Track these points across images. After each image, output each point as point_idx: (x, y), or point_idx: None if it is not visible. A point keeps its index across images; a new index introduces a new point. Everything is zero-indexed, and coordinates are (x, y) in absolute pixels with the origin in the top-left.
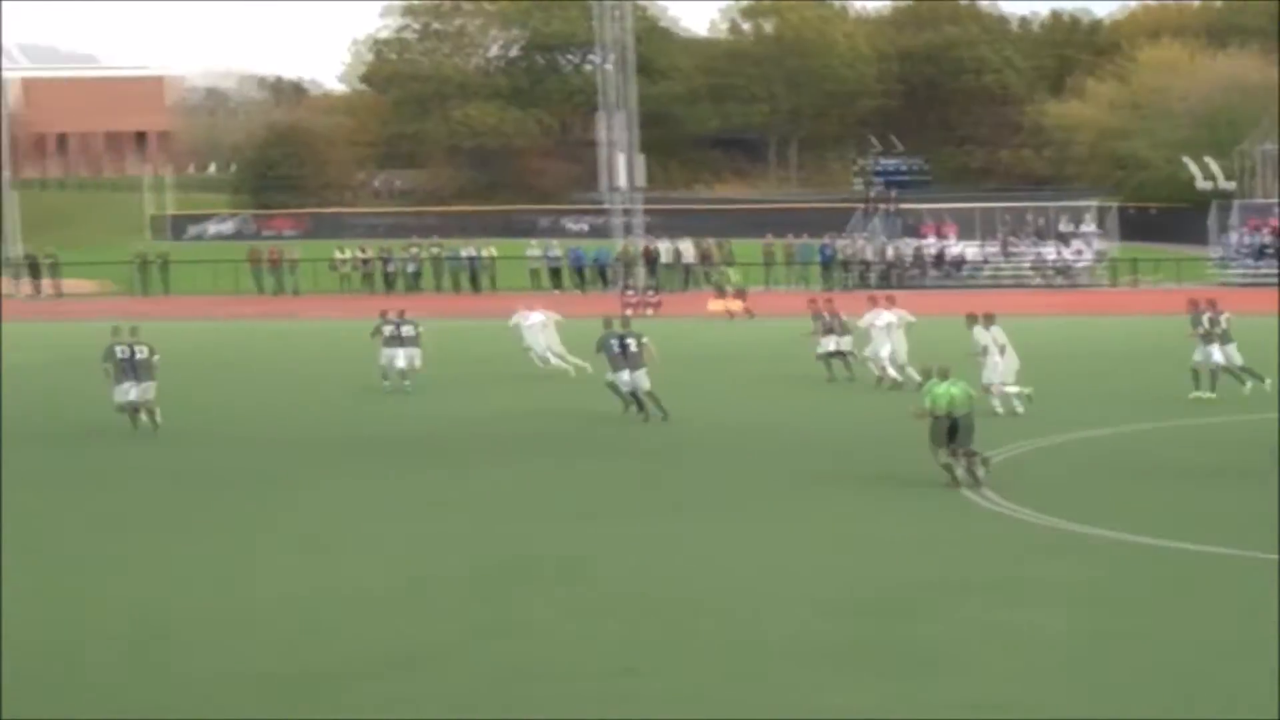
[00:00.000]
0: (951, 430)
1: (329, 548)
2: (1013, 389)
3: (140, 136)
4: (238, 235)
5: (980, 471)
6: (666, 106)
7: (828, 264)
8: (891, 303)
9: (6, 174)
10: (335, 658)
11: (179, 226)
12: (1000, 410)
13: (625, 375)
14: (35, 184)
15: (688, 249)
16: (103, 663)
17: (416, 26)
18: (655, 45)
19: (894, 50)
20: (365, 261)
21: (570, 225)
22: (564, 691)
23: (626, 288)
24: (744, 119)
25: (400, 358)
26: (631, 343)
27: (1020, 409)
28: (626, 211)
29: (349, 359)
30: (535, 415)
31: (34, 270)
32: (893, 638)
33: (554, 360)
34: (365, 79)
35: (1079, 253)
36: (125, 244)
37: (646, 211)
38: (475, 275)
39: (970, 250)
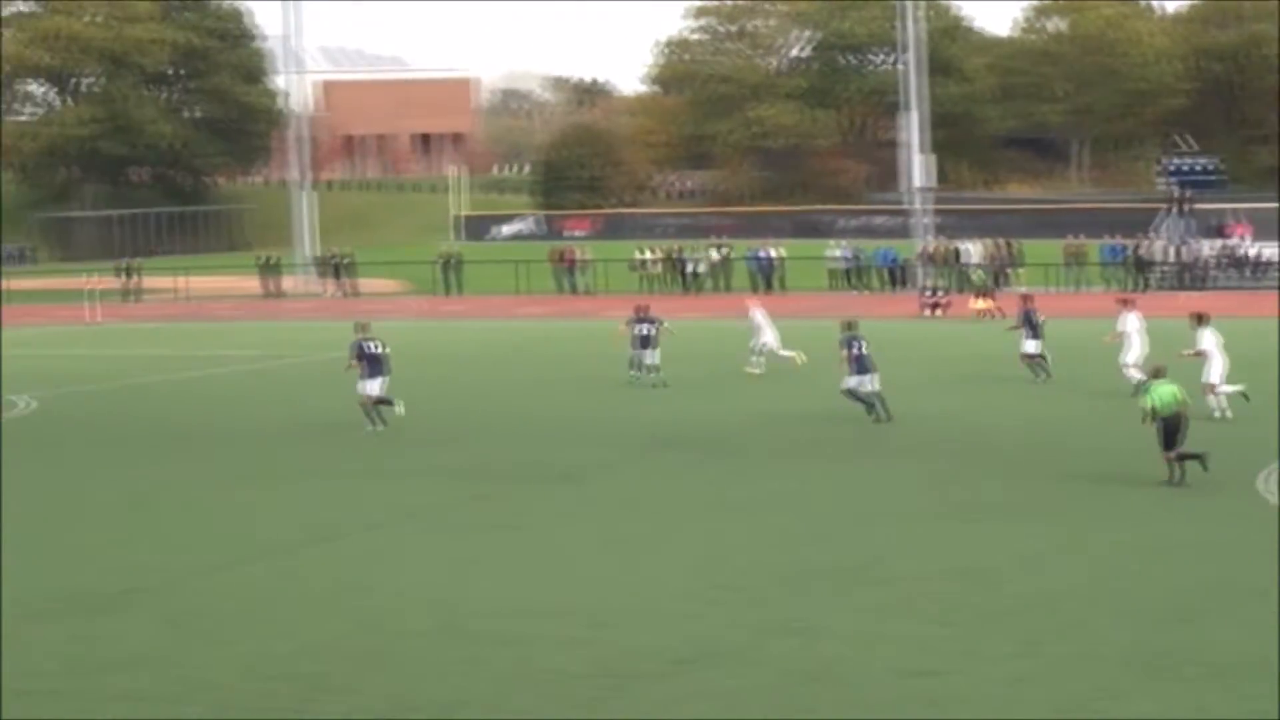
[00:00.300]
0: (1170, 431)
1: (627, 542)
2: (1228, 389)
3: (447, 138)
4: (531, 236)
5: (1177, 474)
6: (962, 106)
7: (1113, 264)
8: (1131, 305)
9: (302, 175)
10: (631, 655)
11: (477, 227)
12: (1217, 414)
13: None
14: (336, 185)
15: (975, 249)
16: (406, 654)
17: (719, 28)
18: (953, 45)
19: (1191, 49)
20: (661, 261)
21: (868, 225)
22: (855, 695)
23: (925, 288)
24: (1038, 118)
25: (646, 356)
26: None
27: (1229, 413)
28: (923, 211)
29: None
30: (800, 418)
31: (333, 270)
32: (1203, 642)
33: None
34: (659, 80)
35: None
36: (427, 244)
37: (938, 212)
38: (769, 275)
39: (1268, 251)
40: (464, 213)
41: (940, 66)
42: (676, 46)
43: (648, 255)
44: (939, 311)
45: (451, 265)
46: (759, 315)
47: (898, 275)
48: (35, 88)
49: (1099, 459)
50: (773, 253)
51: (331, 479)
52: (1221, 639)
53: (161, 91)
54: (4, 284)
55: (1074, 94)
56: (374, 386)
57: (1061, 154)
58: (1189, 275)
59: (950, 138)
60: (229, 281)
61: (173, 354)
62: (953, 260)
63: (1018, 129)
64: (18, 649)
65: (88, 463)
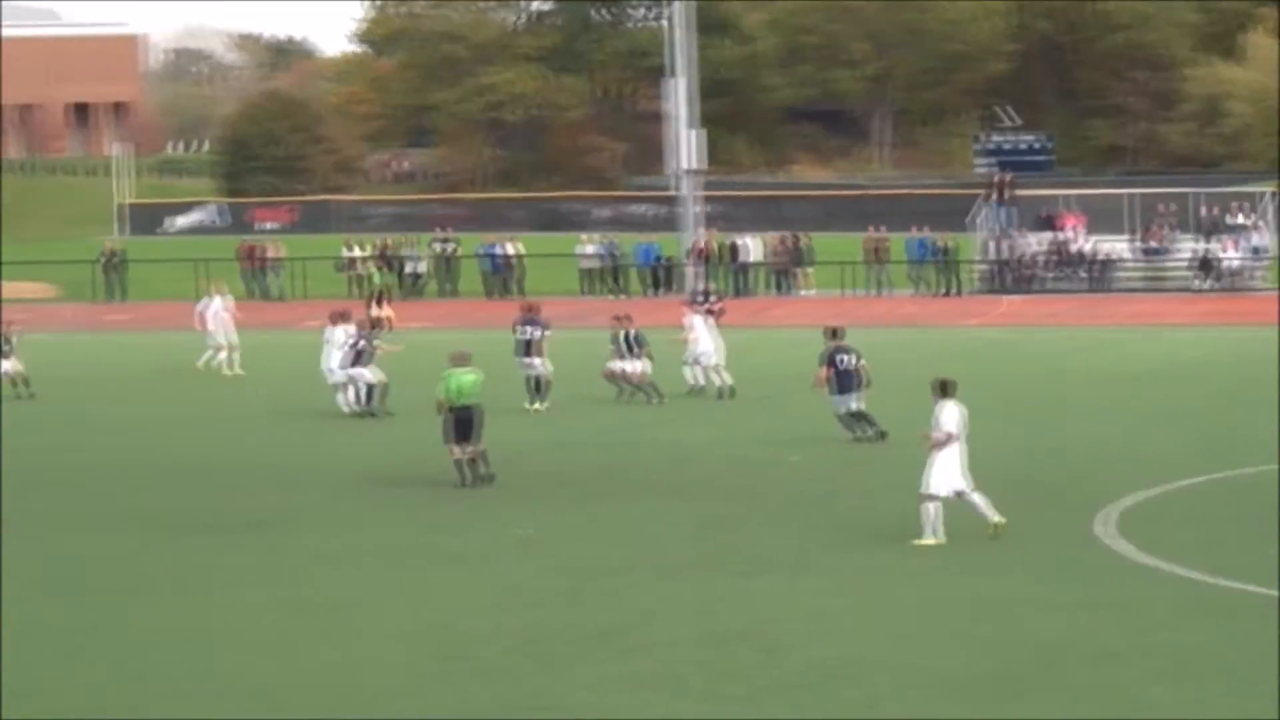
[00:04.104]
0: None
1: (321, 606)
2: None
3: (108, 109)
4: (214, 228)
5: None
6: (740, 71)
7: (921, 262)
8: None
9: None
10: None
11: (146, 218)
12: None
13: None
14: None
15: (755, 245)
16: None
17: None
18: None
19: (1014, 3)
20: (373, 259)
21: (626, 215)
22: None
23: (696, 292)
24: (831, 86)
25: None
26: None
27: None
28: (693, 199)
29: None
30: (545, 446)
31: None
32: None
33: None
34: (369, 39)
35: (1235, 249)
36: (83, 239)
37: (710, 199)
38: (505, 276)
39: (1106, 246)
40: (130, 200)
41: (714, 23)
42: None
43: (356, 252)
44: (711, 319)
45: (114, 265)
46: (697, 321)
47: (662, 276)
48: None
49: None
50: (510, 249)
51: None
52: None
53: None
54: None
55: (874, 57)
56: None
57: (860, 129)
58: (1012, 276)
59: (726, 109)
60: None
61: None
62: (729, 258)
63: (807, 99)
64: None
65: None
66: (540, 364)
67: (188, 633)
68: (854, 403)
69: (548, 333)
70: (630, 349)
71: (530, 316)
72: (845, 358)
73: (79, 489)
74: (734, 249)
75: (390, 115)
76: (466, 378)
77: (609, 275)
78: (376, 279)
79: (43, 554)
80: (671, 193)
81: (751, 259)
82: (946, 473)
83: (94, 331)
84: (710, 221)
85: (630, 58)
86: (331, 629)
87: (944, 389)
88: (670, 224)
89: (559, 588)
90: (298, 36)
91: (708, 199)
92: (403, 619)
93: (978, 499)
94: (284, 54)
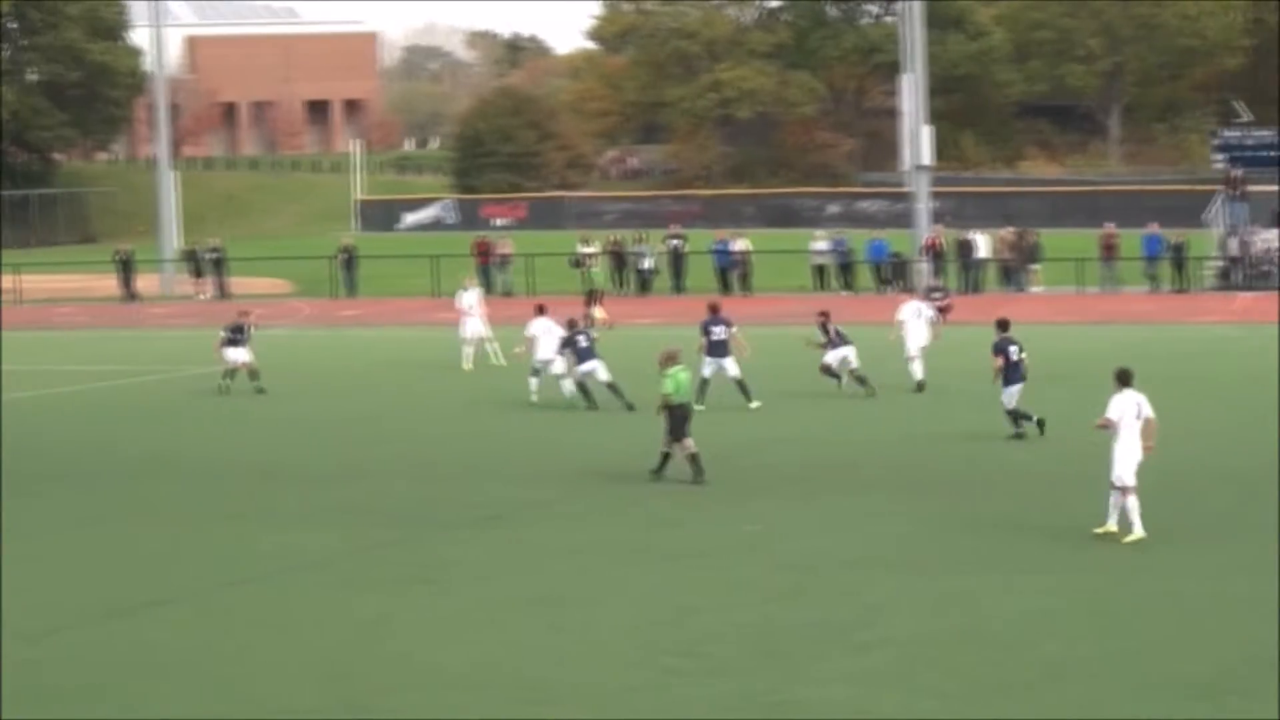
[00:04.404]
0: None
1: (560, 599)
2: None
3: (343, 106)
4: (446, 225)
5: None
6: (971, 67)
7: (1154, 258)
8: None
9: (166, 152)
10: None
11: (380, 214)
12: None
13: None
14: (207, 164)
15: (986, 241)
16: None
17: None
18: None
19: None
20: (604, 255)
21: (856, 211)
22: None
23: (927, 289)
24: (1064, 81)
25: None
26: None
27: None
28: (924, 195)
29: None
30: (772, 443)
31: (204, 266)
32: None
33: None
34: (602, 36)
35: None
36: (318, 236)
37: (941, 195)
38: (735, 272)
39: None
40: (364, 197)
41: (946, 19)
42: None
43: (588, 249)
44: (942, 316)
45: (348, 261)
46: (908, 311)
47: (892, 272)
48: None
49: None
50: (740, 245)
51: (195, 524)
52: None
53: None
54: None
55: (1107, 52)
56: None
57: (1092, 125)
58: (1245, 273)
59: (957, 105)
60: (76, 281)
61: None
62: (960, 254)
63: (1039, 95)
64: None
65: None
66: (730, 364)
67: (440, 624)
68: (1016, 397)
69: (733, 330)
70: (837, 339)
71: (718, 316)
72: (1013, 349)
73: (320, 485)
74: (964, 245)
75: (622, 112)
76: (683, 375)
77: (839, 271)
78: (598, 279)
79: (274, 548)
80: (903, 189)
81: (981, 255)
82: (1122, 461)
83: (328, 326)
84: (940, 217)
85: (862, 54)
86: (566, 623)
87: (1120, 379)
88: (901, 220)
89: (788, 583)
90: (531, 34)
91: (938, 195)
92: (635, 614)
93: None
94: (518, 51)
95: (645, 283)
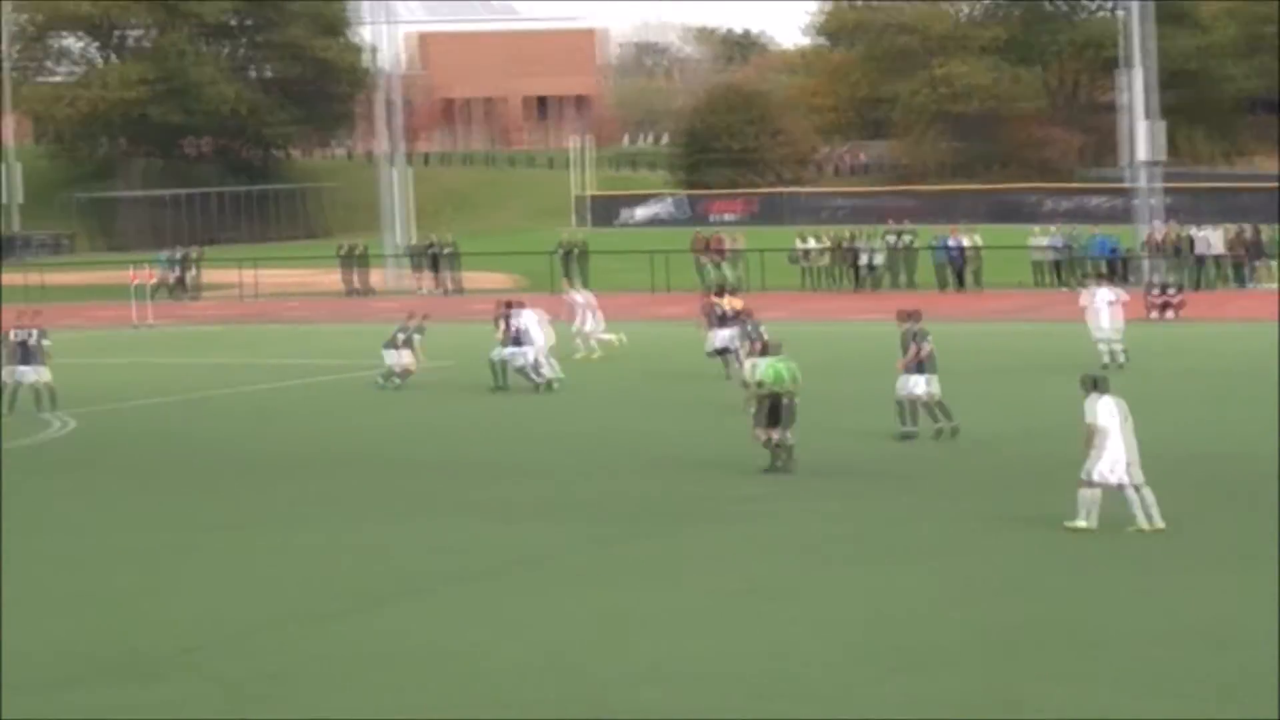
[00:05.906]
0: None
1: (779, 593)
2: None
3: (568, 102)
4: (671, 220)
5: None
6: (1197, 61)
7: None
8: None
9: (393, 147)
10: None
11: (605, 210)
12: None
13: None
14: (435, 159)
15: (1214, 237)
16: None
17: None
18: None
19: None
20: (828, 251)
21: (1081, 207)
22: None
23: (1152, 285)
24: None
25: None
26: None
27: None
28: (1149, 191)
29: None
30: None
31: (431, 261)
32: None
33: None
34: (825, 31)
35: None
36: (544, 231)
37: (1167, 191)
38: (960, 268)
39: None
40: (589, 192)
41: (1171, 13)
42: None
43: (811, 244)
44: (1170, 313)
45: (574, 256)
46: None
47: (1118, 268)
48: (73, 42)
49: None
50: (965, 241)
51: (426, 517)
52: None
53: (224, 47)
54: (39, 278)
55: None
56: None
57: None
58: None
59: (1183, 100)
60: (304, 275)
61: (235, 362)
62: (1186, 250)
63: (1266, 89)
64: None
65: (133, 495)
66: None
67: (673, 618)
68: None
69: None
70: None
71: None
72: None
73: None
74: (1190, 242)
75: (845, 108)
76: (779, 365)
77: (1062, 267)
78: (728, 274)
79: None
80: (1127, 185)
81: (1211, 251)
82: (1106, 462)
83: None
84: (1168, 214)
85: (1085, 49)
86: (770, 617)
87: (1093, 384)
88: (1126, 217)
89: (998, 580)
90: (755, 30)
91: (1165, 191)
92: (841, 610)
93: (1133, 495)
94: (741, 47)
95: (876, 279)
